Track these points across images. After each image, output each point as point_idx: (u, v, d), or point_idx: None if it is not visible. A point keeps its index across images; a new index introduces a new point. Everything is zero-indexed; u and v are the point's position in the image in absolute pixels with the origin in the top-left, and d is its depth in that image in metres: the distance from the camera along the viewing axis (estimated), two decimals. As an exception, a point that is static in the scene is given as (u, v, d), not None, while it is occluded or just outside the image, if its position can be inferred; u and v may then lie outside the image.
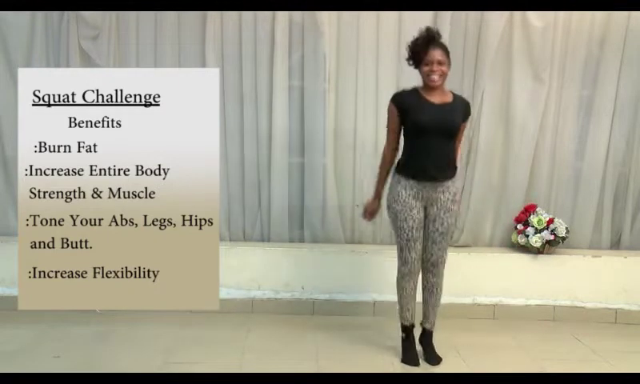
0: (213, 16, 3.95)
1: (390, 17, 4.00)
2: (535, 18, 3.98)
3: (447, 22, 3.95)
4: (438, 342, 3.33)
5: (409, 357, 3.25)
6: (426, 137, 3.04)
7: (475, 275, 4.03)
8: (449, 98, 3.10)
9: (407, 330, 3.29)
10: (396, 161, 3.19)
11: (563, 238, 4.01)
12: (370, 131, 4.11)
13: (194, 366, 3.14)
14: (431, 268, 3.19)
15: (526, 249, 4.07)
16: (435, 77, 2.99)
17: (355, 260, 4.01)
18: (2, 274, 3.94)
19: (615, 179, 4.22)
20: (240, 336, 3.57)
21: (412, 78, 4.02)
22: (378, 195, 3.23)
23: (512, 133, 4.11)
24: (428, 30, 3.04)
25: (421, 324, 3.32)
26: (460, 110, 3.12)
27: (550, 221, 4.02)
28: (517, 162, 4.14)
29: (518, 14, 3.98)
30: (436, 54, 2.98)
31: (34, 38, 3.92)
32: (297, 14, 3.98)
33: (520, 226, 4.07)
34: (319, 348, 3.43)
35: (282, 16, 3.95)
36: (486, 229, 4.25)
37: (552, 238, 3.98)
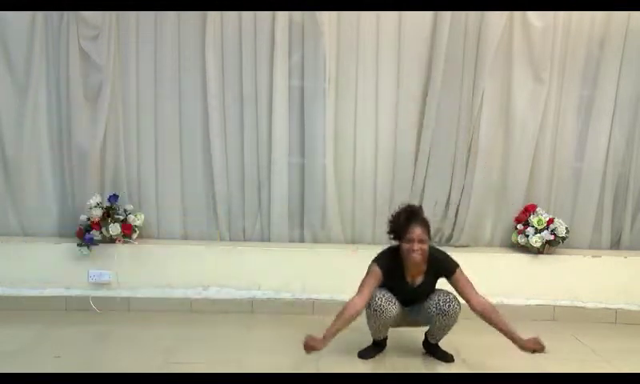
0: (213, 16, 3.95)
1: (390, 17, 4.00)
2: (535, 17, 3.98)
3: (447, 22, 3.95)
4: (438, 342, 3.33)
5: (365, 352, 3.31)
6: (400, 300, 3.18)
7: (475, 275, 4.01)
8: (423, 272, 3.14)
9: (377, 343, 3.34)
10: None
11: (563, 238, 4.01)
12: (370, 132, 4.11)
13: (193, 366, 3.14)
14: (445, 306, 3.12)
15: (526, 249, 4.07)
16: (416, 256, 3.03)
17: (355, 260, 3.99)
18: (2, 274, 3.93)
19: (615, 179, 4.22)
20: (240, 336, 3.57)
21: (412, 77, 4.07)
22: (327, 339, 3.00)
23: (512, 133, 4.11)
24: (409, 207, 3.11)
25: (425, 334, 3.33)
26: (435, 277, 3.18)
27: (550, 221, 4.02)
28: (517, 162, 4.14)
29: (517, 13, 3.98)
30: (417, 233, 3.02)
31: (34, 38, 3.92)
32: (297, 14, 3.98)
33: (520, 226, 4.07)
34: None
35: (282, 16, 3.95)
36: (486, 229, 4.25)
37: (552, 238, 3.98)
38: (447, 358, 3.29)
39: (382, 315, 3.12)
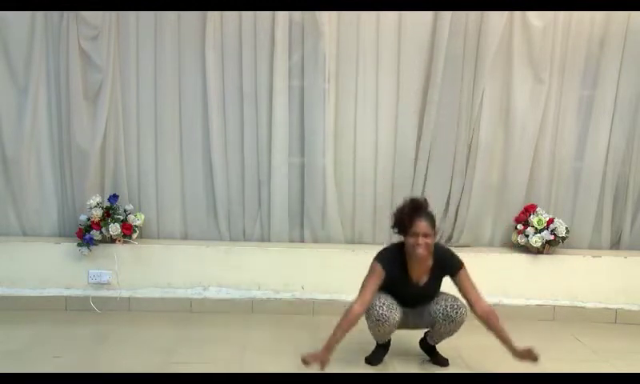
0: (213, 16, 3.94)
1: (390, 17, 4.00)
2: (535, 17, 3.98)
3: (447, 22, 3.95)
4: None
5: (372, 357, 3.26)
6: (402, 302, 3.12)
7: (475, 275, 4.01)
8: (428, 269, 3.07)
9: (382, 345, 3.30)
10: None
11: (563, 238, 4.01)
12: (370, 132, 4.11)
13: (194, 366, 3.14)
14: (452, 313, 3.07)
15: (526, 249, 4.07)
16: (421, 250, 2.95)
17: (355, 260, 3.99)
18: (2, 274, 3.93)
19: (615, 179, 4.22)
20: (240, 336, 3.58)
21: (412, 77, 4.06)
22: (329, 349, 2.95)
23: (512, 133, 4.11)
24: (413, 200, 3.03)
25: (425, 334, 3.31)
26: (441, 276, 3.12)
27: (550, 221, 4.01)
28: (517, 162, 4.14)
29: (517, 13, 3.98)
30: (422, 227, 2.94)
31: (34, 38, 3.92)
32: (297, 14, 3.98)
33: (520, 226, 4.07)
34: (319, 348, 3.41)
35: (282, 16, 3.95)
36: (486, 229, 4.25)
37: (552, 238, 3.98)
38: (442, 362, 3.26)
39: (384, 324, 3.05)
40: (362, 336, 3.43)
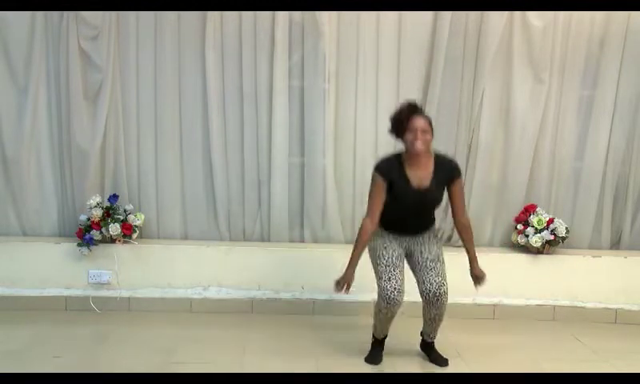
0: (213, 16, 3.95)
1: (389, 17, 4.00)
2: (535, 17, 3.98)
3: (447, 22, 3.95)
4: (439, 342, 3.33)
5: (373, 356, 3.28)
6: (406, 215, 3.13)
7: (475, 275, 4.03)
8: (430, 173, 3.06)
9: (378, 340, 3.31)
10: None
11: (563, 238, 4.01)
12: (370, 132, 4.11)
13: (194, 366, 3.15)
14: (434, 299, 3.10)
15: (526, 249, 4.07)
16: (419, 144, 2.95)
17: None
18: (2, 274, 3.94)
19: (615, 179, 4.22)
20: (240, 336, 3.58)
21: (412, 77, 4.06)
22: (353, 266, 3.12)
23: (512, 133, 4.11)
24: (410, 102, 3.07)
25: (421, 334, 3.33)
26: (443, 181, 3.10)
27: (550, 221, 4.02)
28: (517, 162, 4.14)
29: (517, 13, 3.98)
30: (420, 123, 2.97)
31: (34, 38, 3.91)
32: (297, 14, 3.98)
33: (520, 226, 4.07)
34: (319, 348, 3.43)
35: (282, 16, 3.95)
36: (486, 229, 4.24)
37: (552, 238, 3.98)
38: (442, 362, 3.27)
39: (394, 307, 3.06)
40: (361, 336, 3.46)
